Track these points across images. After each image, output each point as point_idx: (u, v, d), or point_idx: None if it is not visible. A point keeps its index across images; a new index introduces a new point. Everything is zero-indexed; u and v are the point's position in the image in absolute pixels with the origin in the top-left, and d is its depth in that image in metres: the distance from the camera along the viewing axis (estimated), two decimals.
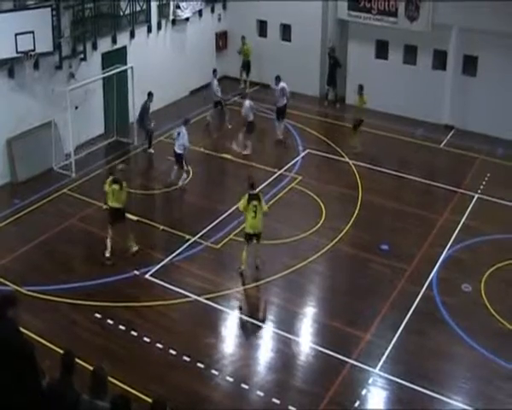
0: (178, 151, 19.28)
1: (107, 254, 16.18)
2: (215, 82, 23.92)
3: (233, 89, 26.81)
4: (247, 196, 15.45)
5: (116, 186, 16.00)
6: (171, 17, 25.39)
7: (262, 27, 27.62)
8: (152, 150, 21.67)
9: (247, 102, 21.83)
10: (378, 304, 14.93)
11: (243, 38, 27.02)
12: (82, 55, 21.75)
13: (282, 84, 22.58)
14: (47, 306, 14.66)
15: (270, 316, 14.75)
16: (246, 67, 27.41)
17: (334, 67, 25.59)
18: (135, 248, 16.47)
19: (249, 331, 14.39)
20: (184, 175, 19.61)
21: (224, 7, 27.97)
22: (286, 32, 27.07)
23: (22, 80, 19.90)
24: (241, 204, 15.50)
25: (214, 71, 24.10)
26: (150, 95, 21.34)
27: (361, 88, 22.04)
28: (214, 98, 23.89)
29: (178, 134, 19.30)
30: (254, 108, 21.97)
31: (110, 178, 16.41)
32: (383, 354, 13.47)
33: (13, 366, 8.52)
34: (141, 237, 17.26)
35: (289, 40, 26.96)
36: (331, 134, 23.47)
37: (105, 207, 17.63)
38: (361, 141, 22.14)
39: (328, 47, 25.75)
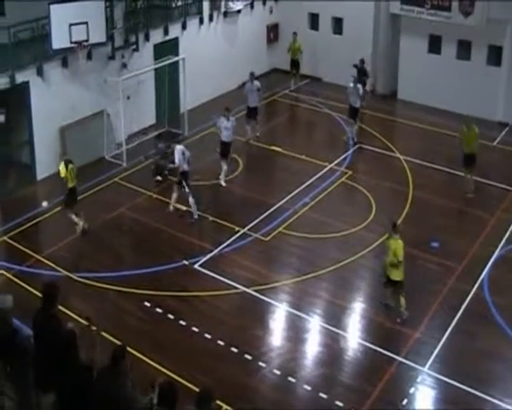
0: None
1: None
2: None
3: (282, 82, 26.66)
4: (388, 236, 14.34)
5: (72, 165, 16.58)
6: (222, 9, 25.42)
7: (313, 20, 27.43)
8: (160, 178, 19.69)
9: (179, 148, 17.71)
10: (427, 302, 14.75)
11: (295, 34, 26.36)
12: (134, 46, 21.94)
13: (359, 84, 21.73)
14: (97, 293, 14.87)
15: (317, 310, 14.69)
16: (294, 65, 26.51)
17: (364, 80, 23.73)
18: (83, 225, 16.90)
19: (297, 325, 14.32)
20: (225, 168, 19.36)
21: None
22: (337, 25, 26.85)
23: (76, 70, 20.16)
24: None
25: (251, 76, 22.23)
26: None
27: (468, 122, 18.86)
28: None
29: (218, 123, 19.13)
30: (188, 155, 17.65)
31: (62, 162, 16.73)
32: (432, 352, 13.31)
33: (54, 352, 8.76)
34: (190, 227, 17.41)
35: (341, 33, 26.75)
36: (382, 129, 23.17)
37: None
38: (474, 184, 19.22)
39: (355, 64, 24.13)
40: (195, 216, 17.58)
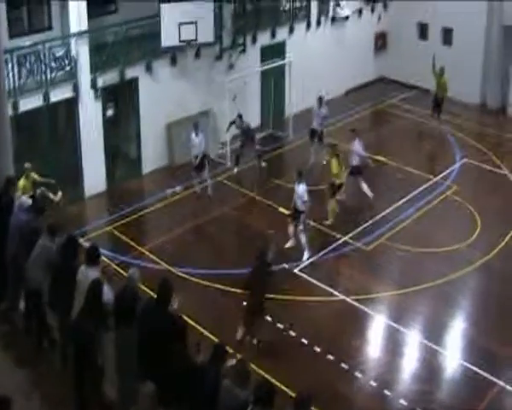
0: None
1: None
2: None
3: (389, 91, 26.30)
4: None
5: None
6: (330, 15, 25.28)
7: (422, 30, 26.92)
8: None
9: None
10: None
11: (442, 68, 22.76)
12: (242, 48, 22.07)
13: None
14: (197, 289, 15.01)
15: (417, 325, 14.38)
16: (437, 105, 23.02)
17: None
18: None
19: (395, 338, 14.07)
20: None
21: (385, 6, 27.42)
22: (447, 35, 26.24)
23: (183, 68, 20.53)
24: None
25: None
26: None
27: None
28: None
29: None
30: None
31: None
32: None
33: (165, 342, 8.85)
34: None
35: (450, 44, 26.14)
36: (490, 144, 22.37)
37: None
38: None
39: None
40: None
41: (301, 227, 16.29)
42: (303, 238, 16.28)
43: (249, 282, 13.04)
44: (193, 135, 18.74)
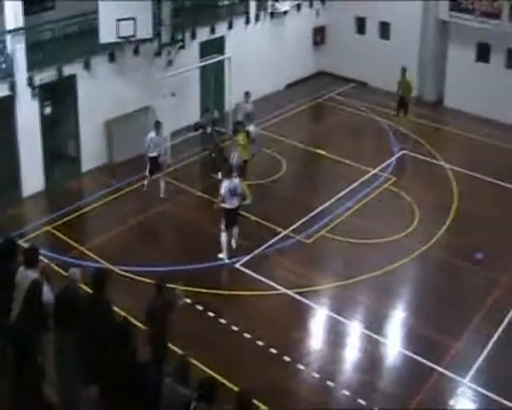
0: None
1: None
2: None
3: (328, 85, 26.56)
4: None
5: None
6: (269, 10, 25.39)
7: (361, 24, 27.25)
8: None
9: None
10: (470, 313, 14.53)
11: (403, 68, 23.01)
12: (181, 44, 21.99)
13: None
14: (139, 287, 14.87)
15: (358, 316, 14.61)
16: (402, 104, 23.04)
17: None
18: None
19: (337, 329, 14.27)
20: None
21: (323, 1, 27.67)
22: (385, 29, 26.63)
23: (122, 65, 20.38)
24: None
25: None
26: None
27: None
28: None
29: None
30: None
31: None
32: (474, 364, 13.09)
33: (107, 343, 8.80)
34: None
35: (388, 38, 26.54)
36: (427, 136, 22.85)
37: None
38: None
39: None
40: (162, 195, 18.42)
41: (221, 226, 15.96)
42: (221, 237, 15.95)
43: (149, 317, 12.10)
44: (152, 134, 18.25)
